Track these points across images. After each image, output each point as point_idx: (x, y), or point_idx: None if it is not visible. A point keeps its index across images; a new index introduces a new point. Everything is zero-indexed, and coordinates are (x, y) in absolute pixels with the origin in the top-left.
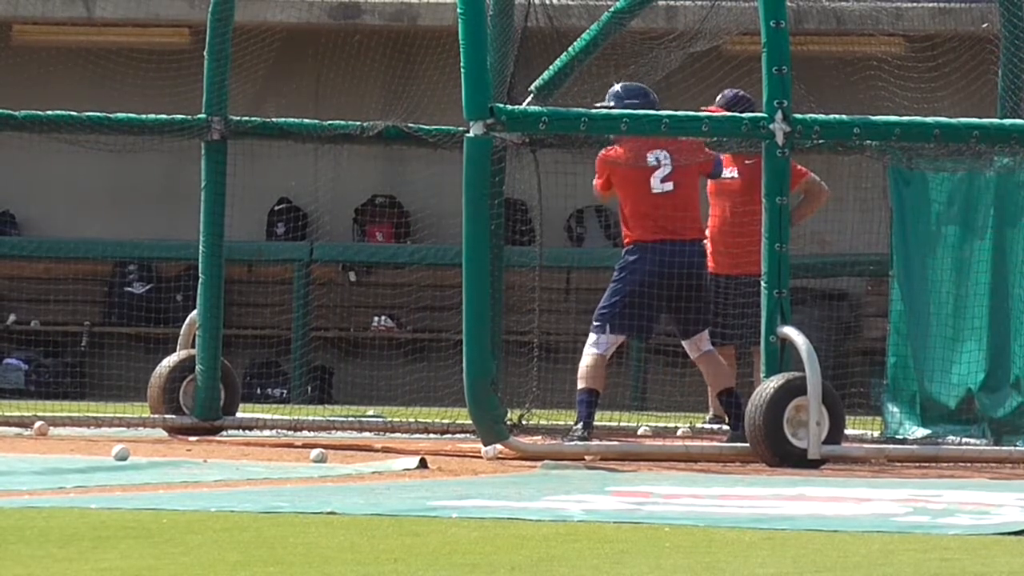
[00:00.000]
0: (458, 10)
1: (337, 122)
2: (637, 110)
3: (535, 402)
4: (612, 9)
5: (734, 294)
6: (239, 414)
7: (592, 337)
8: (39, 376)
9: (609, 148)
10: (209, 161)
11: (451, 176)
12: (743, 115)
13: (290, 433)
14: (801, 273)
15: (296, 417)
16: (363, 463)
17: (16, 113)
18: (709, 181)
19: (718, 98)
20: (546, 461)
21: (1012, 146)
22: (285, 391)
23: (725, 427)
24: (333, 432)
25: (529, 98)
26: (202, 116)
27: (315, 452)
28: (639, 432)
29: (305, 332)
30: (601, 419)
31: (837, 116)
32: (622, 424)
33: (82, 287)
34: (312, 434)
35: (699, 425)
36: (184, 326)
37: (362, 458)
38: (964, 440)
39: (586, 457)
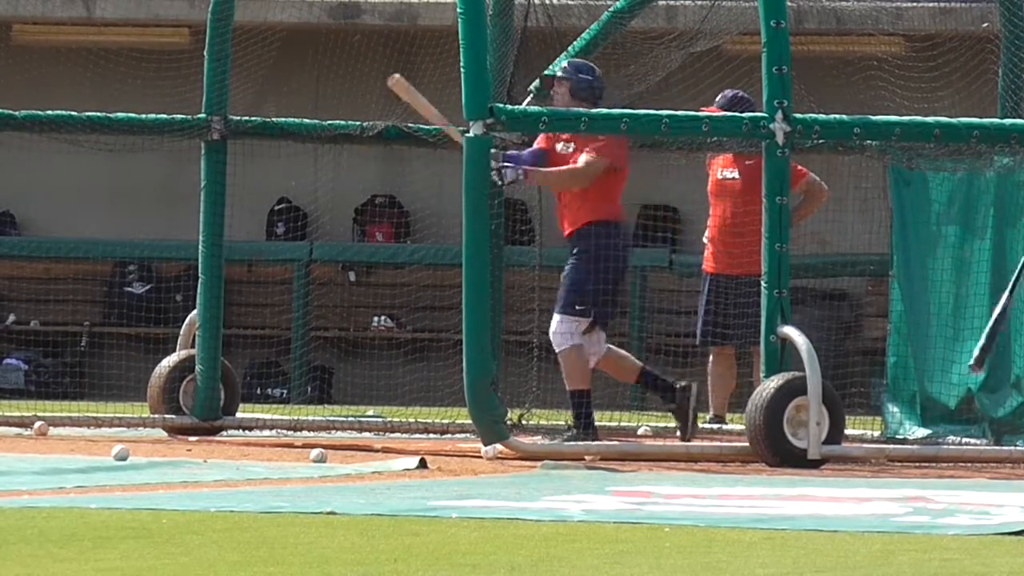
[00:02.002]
0: (458, 10)
1: (337, 122)
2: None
3: (535, 402)
4: (612, 9)
5: (734, 294)
6: (239, 414)
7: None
8: (39, 376)
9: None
10: (209, 161)
11: (451, 176)
12: (743, 115)
13: (290, 433)
14: (801, 273)
15: (296, 417)
16: (363, 463)
17: (16, 113)
18: (709, 181)
19: (717, 98)
20: (546, 461)
21: (1012, 146)
22: (285, 391)
23: (726, 427)
24: (333, 432)
25: (529, 98)
26: (202, 116)
27: (315, 452)
28: (639, 432)
29: (305, 332)
30: (601, 419)
31: (837, 116)
32: (622, 424)
33: (82, 287)
34: (312, 434)
35: (699, 425)
36: (184, 326)
37: (362, 458)
38: (964, 440)
39: (586, 457)
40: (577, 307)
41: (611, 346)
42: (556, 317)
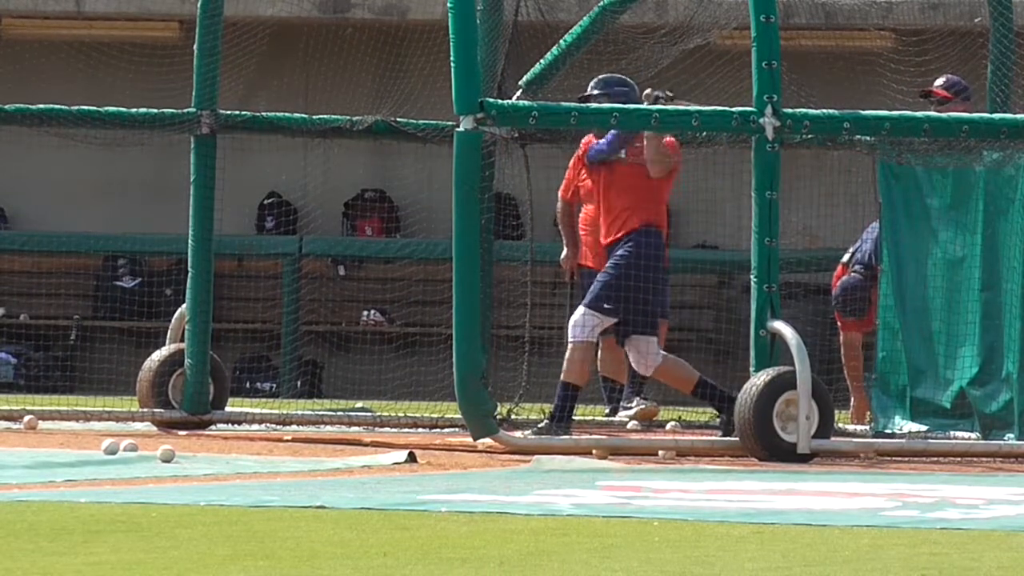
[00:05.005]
0: (448, 4)
1: (326, 116)
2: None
3: (524, 396)
4: (602, 3)
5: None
6: (228, 408)
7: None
8: (28, 370)
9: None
10: (198, 155)
11: (441, 170)
12: (732, 109)
13: (279, 427)
14: (792, 268)
15: (285, 411)
16: (352, 457)
17: (6, 106)
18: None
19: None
20: (539, 457)
21: (1001, 140)
22: (274, 385)
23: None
24: (322, 426)
25: (519, 92)
26: (192, 110)
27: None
28: (628, 426)
29: (295, 326)
30: (591, 413)
31: (827, 111)
32: (611, 418)
33: (71, 281)
34: (301, 428)
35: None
36: (173, 320)
37: (351, 452)
38: (953, 434)
39: (594, 452)
40: (606, 305)
41: (667, 354)
42: (580, 310)
